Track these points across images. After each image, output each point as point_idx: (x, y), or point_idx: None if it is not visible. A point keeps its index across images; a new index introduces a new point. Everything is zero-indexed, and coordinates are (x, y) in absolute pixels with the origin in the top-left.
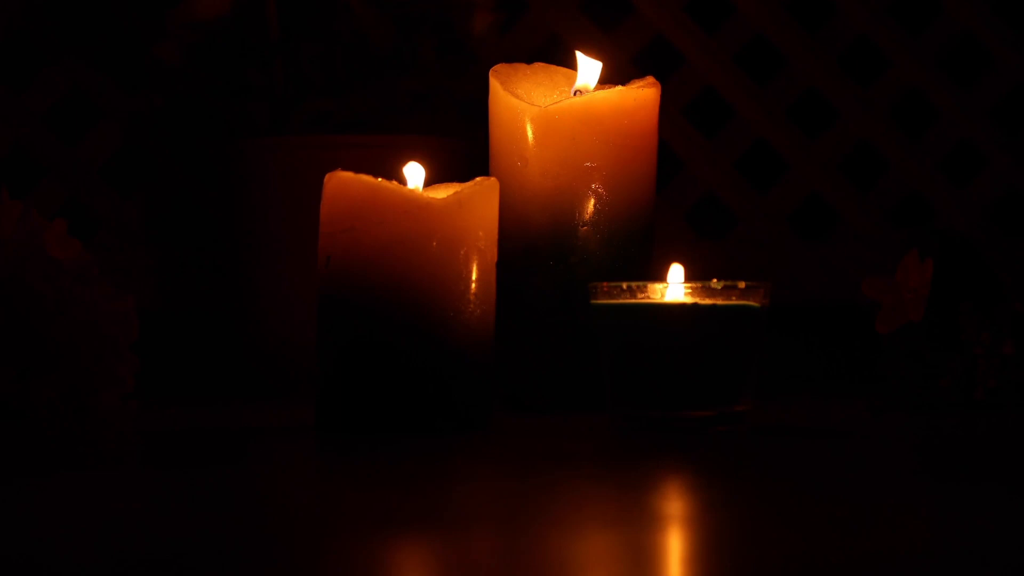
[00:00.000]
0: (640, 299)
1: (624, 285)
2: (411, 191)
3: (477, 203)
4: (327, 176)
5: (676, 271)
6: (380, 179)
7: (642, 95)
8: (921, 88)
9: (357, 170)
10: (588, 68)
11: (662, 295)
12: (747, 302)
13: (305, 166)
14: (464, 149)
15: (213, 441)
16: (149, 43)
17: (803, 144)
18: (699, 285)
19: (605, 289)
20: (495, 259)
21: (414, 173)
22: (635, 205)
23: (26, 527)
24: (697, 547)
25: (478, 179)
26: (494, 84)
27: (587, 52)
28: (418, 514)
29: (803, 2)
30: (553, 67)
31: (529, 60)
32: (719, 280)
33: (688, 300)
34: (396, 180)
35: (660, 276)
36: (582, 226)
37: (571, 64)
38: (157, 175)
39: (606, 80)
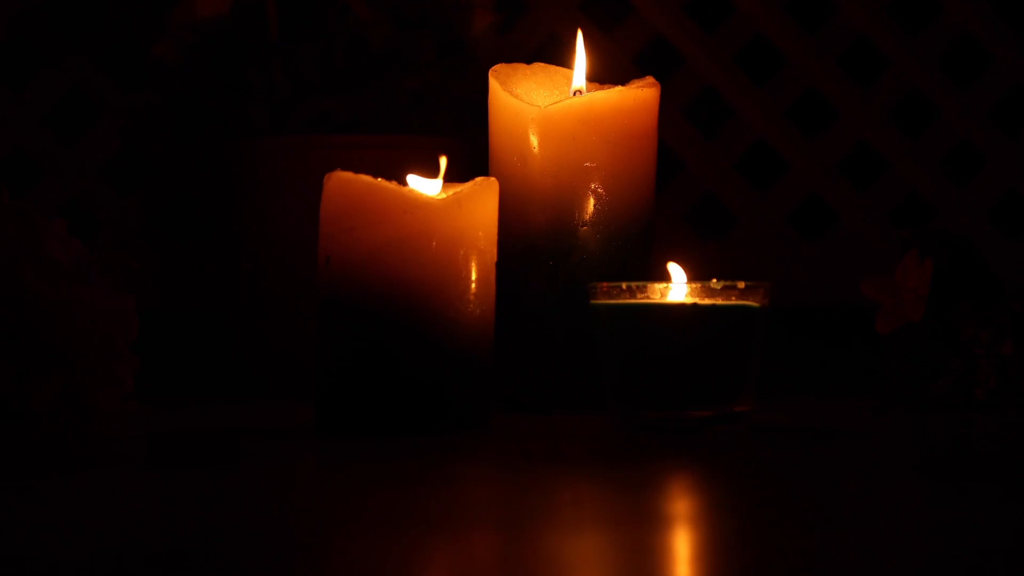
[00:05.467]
0: (640, 299)
1: (624, 285)
2: (410, 191)
3: (477, 203)
4: (327, 176)
5: (675, 271)
6: (380, 179)
7: (642, 95)
8: (921, 88)
9: (357, 170)
10: (580, 60)
11: (662, 295)
12: (747, 302)
13: (305, 166)
14: (464, 149)
15: (213, 441)
16: (149, 43)
17: (803, 144)
18: (699, 285)
19: (605, 289)
20: (495, 259)
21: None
22: (635, 205)
23: (26, 527)
24: (697, 547)
25: (478, 179)
26: (494, 84)
27: (588, 52)
28: (418, 515)
29: (803, 2)
30: (553, 67)
31: (529, 60)
32: (719, 280)
33: (688, 300)
34: (396, 180)
35: (660, 276)
36: (582, 226)
37: (571, 64)
38: (156, 175)
39: (606, 80)
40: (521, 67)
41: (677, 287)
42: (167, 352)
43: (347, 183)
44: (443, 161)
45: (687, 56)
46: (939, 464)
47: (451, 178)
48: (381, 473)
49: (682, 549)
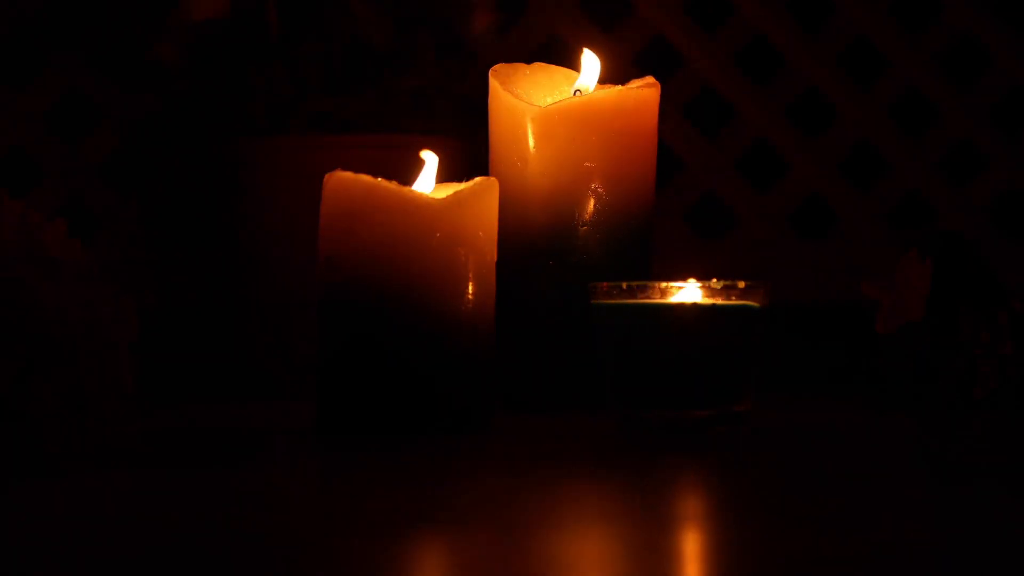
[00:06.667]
0: (640, 299)
1: (624, 285)
2: (410, 191)
3: (477, 203)
4: (327, 176)
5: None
6: (380, 179)
7: (642, 95)
8: (921, 88)
9: (357, 170)
10: (591, 67)
11: (662, 295)
12: (747, 302)
13: (305, 166)
14: (464, 149)
15: (213, 441)
16: (149, 43)
17: (803, 144)
18: (699, 285)
19: (605, 289)
20: (495, 259)
21: (428, 166)
22: (635, 205)
23: (26, 527)
24: (697, 547)
25: (478, 179)
26: (494, 84)
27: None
28: (418, 515)
29: (803, 2)
30: (553, 67)
31: (529, 60)
32: (719, 280)
33: (687, 300)
34: (396, 180)
35: (660, 276)
36: (582, 226)
37: (571, 64)
38: (156, 175)
39: (606, 80)
40: (521, 67)
41: (679, 287)
42: (167, 352)
43: (347, 183)
44: (432, 159)
45: (687, 56)
46: (939, 464)
47: (451, 178)
48: (381, 473)
49: (683, 548)
